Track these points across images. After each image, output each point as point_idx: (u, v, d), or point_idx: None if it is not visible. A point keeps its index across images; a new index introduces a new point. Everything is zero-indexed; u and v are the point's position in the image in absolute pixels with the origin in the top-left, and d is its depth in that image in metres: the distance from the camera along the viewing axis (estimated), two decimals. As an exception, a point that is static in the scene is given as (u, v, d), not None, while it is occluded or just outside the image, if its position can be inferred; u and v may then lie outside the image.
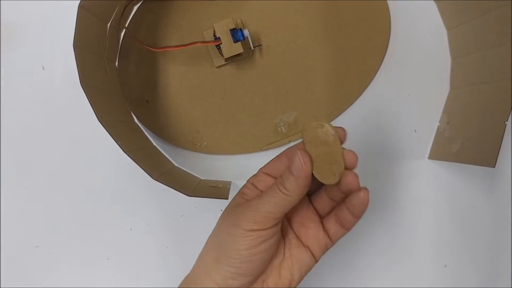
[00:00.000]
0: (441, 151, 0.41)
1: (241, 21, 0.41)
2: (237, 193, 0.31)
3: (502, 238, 0.43)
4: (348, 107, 0.42)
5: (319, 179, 0.27)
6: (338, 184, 0.27)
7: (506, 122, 0.34)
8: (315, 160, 0.27)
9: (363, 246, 0.42)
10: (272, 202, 0.26)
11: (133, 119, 0.41)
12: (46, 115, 0.42)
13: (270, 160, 0.31)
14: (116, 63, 0.41)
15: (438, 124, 0.43)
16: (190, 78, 0.41)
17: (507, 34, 0.35)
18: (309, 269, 0.30)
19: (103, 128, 0.32)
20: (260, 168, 0.31)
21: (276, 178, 0.30)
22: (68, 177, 0.42)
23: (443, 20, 0.43)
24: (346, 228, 0.29)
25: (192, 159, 0.42)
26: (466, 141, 0.38)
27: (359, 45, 0.42)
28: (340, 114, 0.42)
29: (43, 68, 0.42)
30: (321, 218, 0.31)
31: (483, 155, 0.35)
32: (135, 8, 0.41)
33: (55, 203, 0.42)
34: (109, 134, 0.32)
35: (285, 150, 0.30)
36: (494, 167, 0.34)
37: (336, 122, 0.42)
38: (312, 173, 0.27)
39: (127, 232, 0.42)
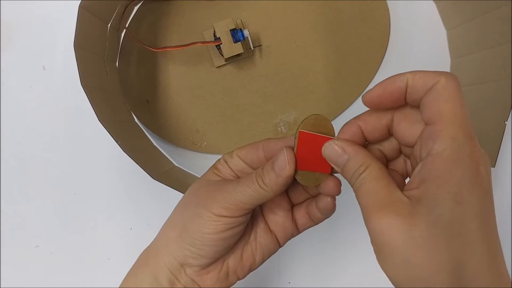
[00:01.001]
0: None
1: (241, 21, 0.41)
2: (210, 167, 0.29)
3: (501, 238, 0.43)
4: (348, 107, 0.42)
5: (299, 181, 0.26)
6: (317, 186, 0.27)
7: (505, 122, 0.34)
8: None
9: (363, 246, 0.42)
10: (247, 193, 0.25)
11: (134, 119, 0.41)
12: (47, 115, 0.42)
13: (247, 146, 0.29)
14: (117, 63, 0.41)
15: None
16: (190, 78, 0.41)
17: (506, 34, 0.35)
18: (272, 253, 0.29)
19: (103, 128, 0.32)
20: (236, 150, 0.29)
21: (249, 166, 0.28)
22: (68, 177, 0.42)
23: (442, 21, 0.43)
24: (315, 222, 0.29)
25: (192, 159, 0.42)
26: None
27: (359, 45, 0.42)
28: (339, 114, 0.42)
29: (44, 68, 0.42)
30: (293, 205, 0.30)
31: (483, 155, 0.35)
32: (136, 8, 0.41)
33: (55, 203, 0.42)
34: (110, 134, 0.32)
35: (262, 141, 0.28)
36: (494, 167, 0.34)
37: (336, 122, 0.42)
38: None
39: (128, 232, 0.42)
